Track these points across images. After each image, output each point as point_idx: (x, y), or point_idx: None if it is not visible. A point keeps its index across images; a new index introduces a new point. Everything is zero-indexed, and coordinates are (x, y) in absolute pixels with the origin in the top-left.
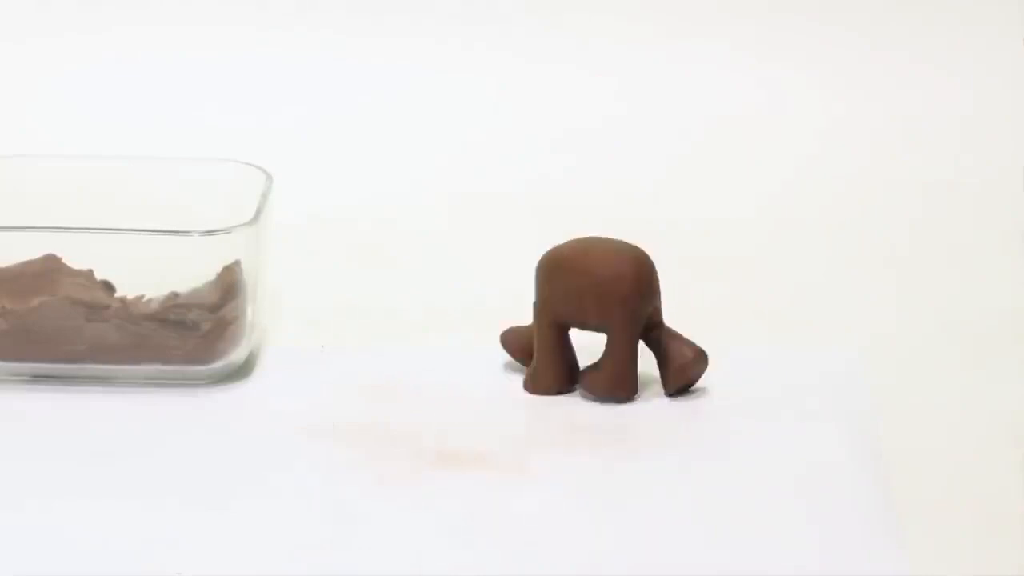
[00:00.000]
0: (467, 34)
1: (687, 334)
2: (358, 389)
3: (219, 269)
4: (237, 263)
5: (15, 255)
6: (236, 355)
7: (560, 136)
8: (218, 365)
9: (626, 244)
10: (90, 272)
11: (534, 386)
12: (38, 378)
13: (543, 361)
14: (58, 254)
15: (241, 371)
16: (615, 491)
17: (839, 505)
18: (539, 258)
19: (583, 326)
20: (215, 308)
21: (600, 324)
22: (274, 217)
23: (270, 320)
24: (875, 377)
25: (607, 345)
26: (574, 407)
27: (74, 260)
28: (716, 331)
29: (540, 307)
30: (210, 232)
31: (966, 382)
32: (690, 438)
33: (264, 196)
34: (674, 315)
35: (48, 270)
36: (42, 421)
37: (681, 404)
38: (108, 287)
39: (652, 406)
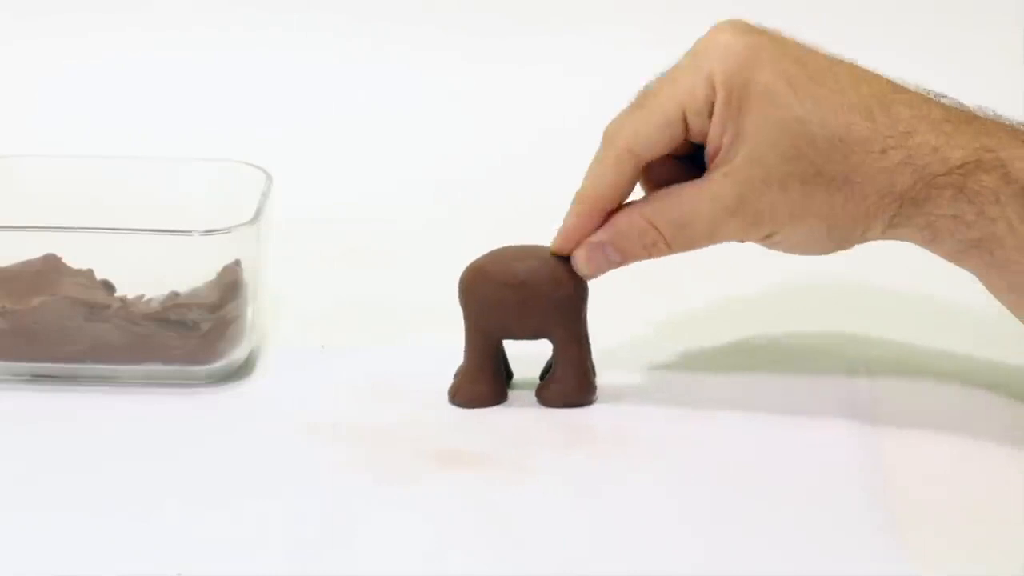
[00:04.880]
0: (467, 35)
1: (687, 334)
2: (358, 389)
3: (219, 269)
4: (237, 263)
5: (15, 255)
6: (236, 355)
7: (560, 136)
8: (218, 365)
9: (545, 248)
10: (90, 272)
11: (461, 399)
12: (38, 378)
13: (473, 375)
14: (58, 254)
15: (241, 371)
16: (614, 491)
17: (839, 505)
18: (460, 275)
19: (519, 337)
20: (215, 308)
21: (544, 333)
22: (274, 217)
23: (270, 320)
24: (875, 377)
25: (558, 353)
26: (573, 407)
27: (74, 260)
28: (716, 331)
29: (470, 326)
30: (210, 232)
31: (966, 382)
32: (689, 438)
33: (264, 196)
34: (673, 316)
35: (48, 270)
36: (42, 421)
37: (680, 404)
38: (108, 287)
39: (652, 406)
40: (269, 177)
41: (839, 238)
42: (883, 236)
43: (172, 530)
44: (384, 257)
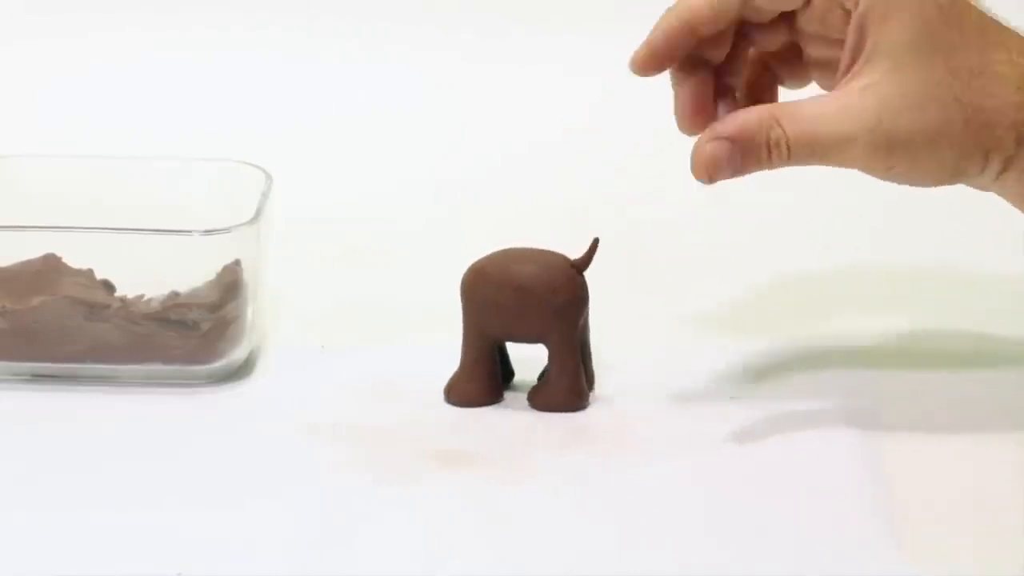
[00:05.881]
0: (467, 35)
1: (686, 334)
2: (358, 389)
3: (219, 269)
4: (237, 263)
5: (15, 255)
6: (236, 355)
7: (558, 137)
8: (218, 365)
9: (550, 253)
10: (90, 272)
11: (455, 397)
12: (38, 378)
13: (468, 374)
14: (58, 254)
15: (241, 371)
16: (614, 491)
17: (839, 505)
18: (462, 275)
19: (516, 340)
20: (215, 308)
21: (540, 338)
22: (274, 217)
23: (270, 320)
24: (875, 376)
25: (552, 359)
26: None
27: (74, 260)
28: (714, 331)
29: (468, 325)
30: (210, 232)
31: (966, 382)
32: (689, 438)
33: (264, 196)
34: (673, 315)
35: (48, 270)
36: (42, 421)
37: (680, 404)
38: (108, 287)
39: (651, 406)
40: (269, 177)
41: (963, 168)
42: (993, 182)
43: (172, 530)
44: (384, 257)
